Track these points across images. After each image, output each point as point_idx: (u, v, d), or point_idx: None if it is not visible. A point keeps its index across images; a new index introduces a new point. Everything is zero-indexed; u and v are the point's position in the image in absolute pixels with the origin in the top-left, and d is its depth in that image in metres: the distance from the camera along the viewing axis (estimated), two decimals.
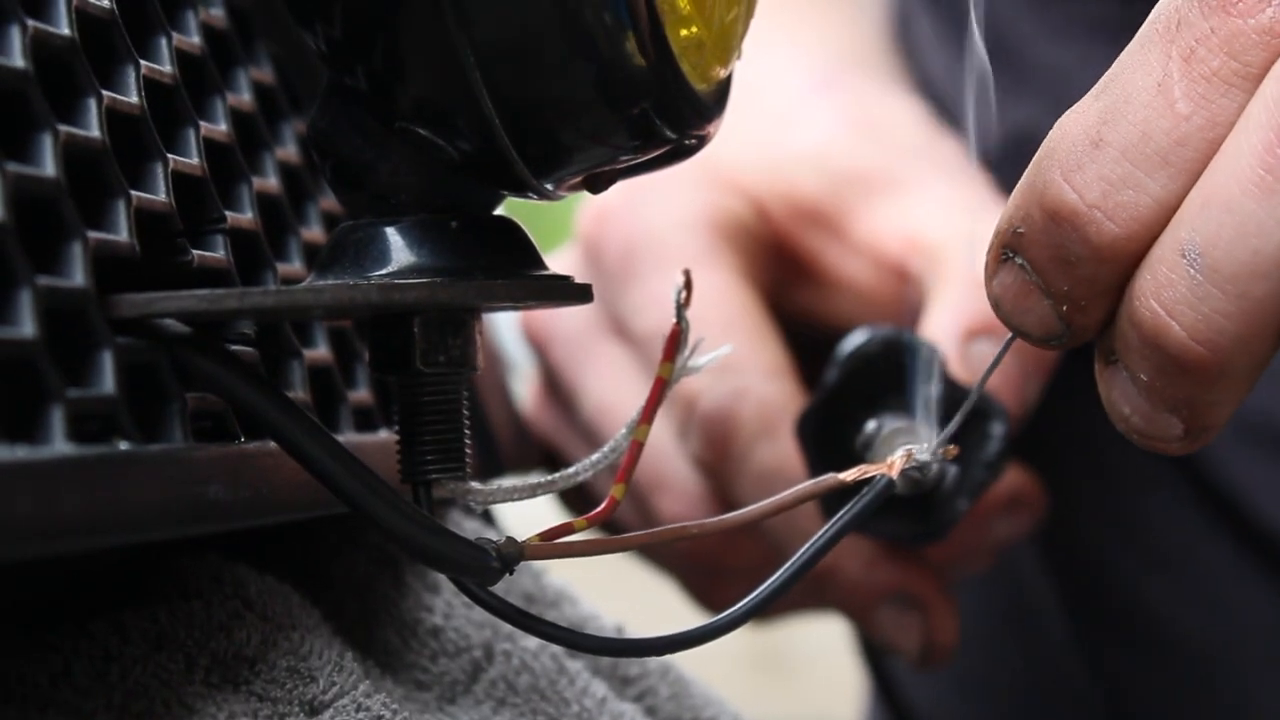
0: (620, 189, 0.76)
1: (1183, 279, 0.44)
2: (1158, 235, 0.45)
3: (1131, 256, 0.45)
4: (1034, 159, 0.46)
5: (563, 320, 0.77)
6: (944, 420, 0.56)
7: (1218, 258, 0.44)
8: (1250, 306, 0.44)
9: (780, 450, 0.68)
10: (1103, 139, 0.45)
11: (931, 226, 0.71)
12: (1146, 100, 0.45)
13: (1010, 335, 0.49)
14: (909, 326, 0.70)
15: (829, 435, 0.62)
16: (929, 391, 0.60)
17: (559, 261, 0.78)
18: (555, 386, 0.78)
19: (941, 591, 0.71)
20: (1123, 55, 0.46)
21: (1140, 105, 0.45)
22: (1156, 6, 0.46)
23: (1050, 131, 0.46)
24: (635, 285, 0.73)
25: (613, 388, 0.74)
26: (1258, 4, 0.44)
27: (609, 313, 0.75)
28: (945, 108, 0.82)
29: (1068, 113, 0.46)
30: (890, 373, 0.63)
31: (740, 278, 0.73)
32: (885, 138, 0.75)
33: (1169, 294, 0.45)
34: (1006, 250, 0.47)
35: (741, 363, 0.70)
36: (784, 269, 0.75)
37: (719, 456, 0.70)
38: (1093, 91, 0.46)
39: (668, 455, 0.73)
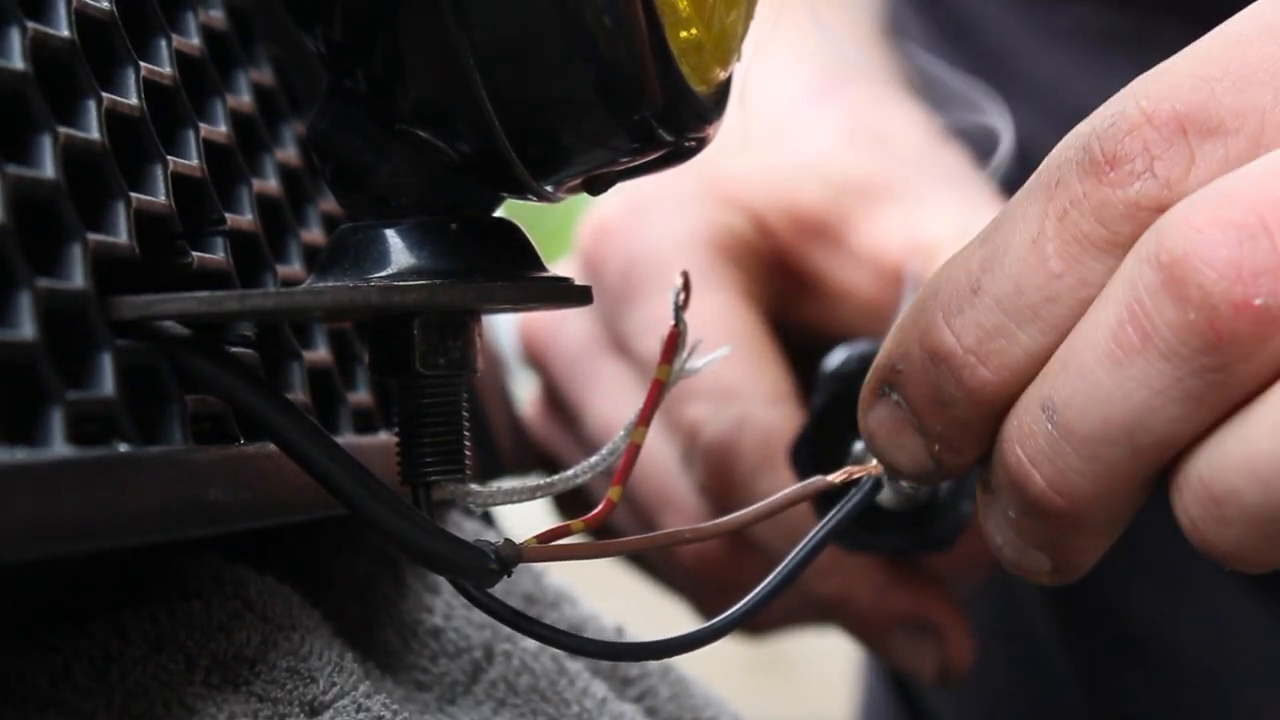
0: (620, 205, 0.76)
1: (1042, 432, 0.45)
2: (1028, 384, 0.46)
3: (1003, 401, 0.46)
4: (918, 296, 0.47)
5: (563, 335, 0.77)
6: None
7: (1071, 418, 0.45)
8: (1102, 469, 0.45)
9: (783, 479, 0.68)
10: (981, 286, 0.46)
11: (932, 231, 0.71)
12: (1022, 254, 0.45)
13: (867, 482, 0.50)
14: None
15: (824, 458, 0.62)
16: None
17: (565, 265, 0.78)
18: (557, 401, 0.78)
19: (956, 613, 0.71)
20: (1008, 204, 0.47)
21: (1016, 258, 0.46)
22: (1044, 161, 0.46)
23: (936, 271, 0.47)
24: (637, 306, 0.73)
25: (616, 405, 0.74)
26: (1128, 176, 0.44)
27: (610, 330, 0.75)
28: (938, 111, 0.82)
29: (955, 254, 0.47)
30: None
31: (742, 297, 0.73)
32: (886, 146, 0.75)
33: (1030, 444, 0.46)
34: (885, 386, 0.48)
35: (742, 389, 0.70)
36: (786, 282, 0.75)
37: (723, 486, 0.70)
38: (979, 235, 0.47)
39: (673, 476, 0.73)
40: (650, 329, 0.73)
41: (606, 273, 0.75)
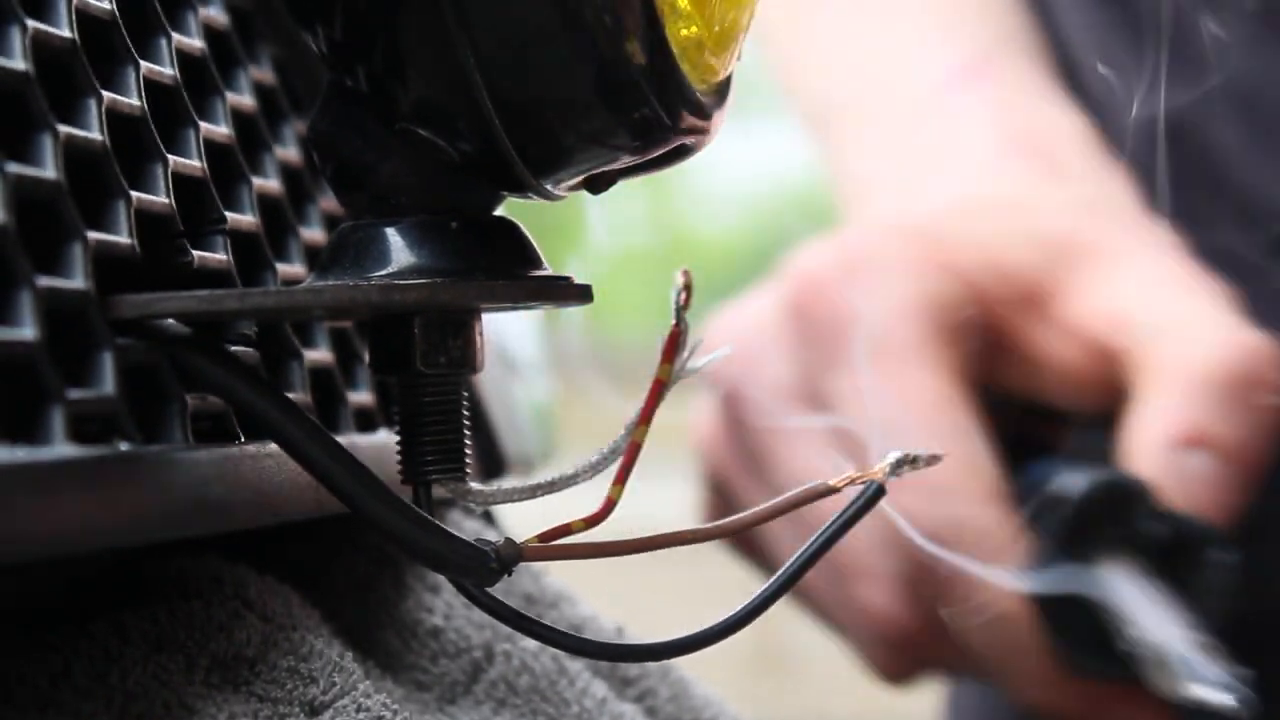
0: (835, 259, 0.77)
1: None
2: None
3: None
4: None
5: (762, 373, 0.76)
6: (1175, 559, 0.57)
7: None
8: None
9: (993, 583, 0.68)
10: None
11: (1139, 306, 0.71)
12: None
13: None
14: (1114, 412, 0.70)
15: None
16: (1150, 531, 0.60)
17: (759, 298, 0.78)
18: (741, 437, 0.78)
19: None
20: None
21: None
22: None
23: None
24: (844, 371, 0.73)
25: (809, 460, 0.74)
26: None
27: (809, 385, 0.75)
28: (1080, 78, 0.81)
29: None
30: (1107, 512, 0.63)
31: (955, 380, 0.72)
32: (1047, 162, 0.75)
33: None
34: None
35: (957, 486, 0.70)
36: (991, 347, 0.74)
37: (928, 585, 0.70)
38: None
39: (875, 551, 0.72)
40: (853, 397, 0.72)
41: (814, 325, 0.74)
